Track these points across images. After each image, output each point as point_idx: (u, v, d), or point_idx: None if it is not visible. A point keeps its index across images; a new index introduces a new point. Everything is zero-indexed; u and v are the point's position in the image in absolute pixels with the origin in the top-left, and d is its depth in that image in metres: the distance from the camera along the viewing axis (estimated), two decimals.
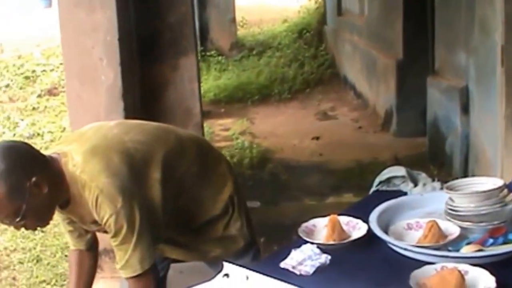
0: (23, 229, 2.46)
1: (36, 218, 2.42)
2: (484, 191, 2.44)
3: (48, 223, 2.52)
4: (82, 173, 2.41)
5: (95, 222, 2.50)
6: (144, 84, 4.29)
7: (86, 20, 3.92)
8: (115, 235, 2.44)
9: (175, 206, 2.68)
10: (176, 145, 2.71)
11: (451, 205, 2.47)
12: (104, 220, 2.41)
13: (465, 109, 5.40)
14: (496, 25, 4.47)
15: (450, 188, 2.51)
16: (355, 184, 5.68)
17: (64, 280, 4.66)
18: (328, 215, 2.51)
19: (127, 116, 3.98)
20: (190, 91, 4.46)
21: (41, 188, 2.35)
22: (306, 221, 2.57)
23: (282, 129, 8.00)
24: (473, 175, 4.70)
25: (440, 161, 5.99)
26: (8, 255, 5.07)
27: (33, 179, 2.32)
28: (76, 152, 2.46)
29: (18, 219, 2.34)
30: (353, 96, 9.41)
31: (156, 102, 4.38)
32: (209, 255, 2.85)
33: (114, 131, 2.62)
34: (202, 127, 4.64)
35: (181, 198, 2.71)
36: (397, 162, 5.94)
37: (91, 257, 2.85)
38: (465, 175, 5.14)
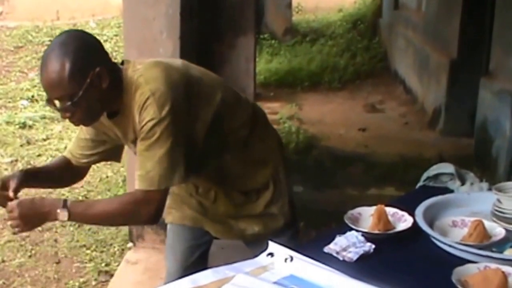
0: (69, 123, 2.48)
1: (85, 112, 2.38)
2: None
3: (92, 123, 2.49)
4: (140, 77, 2.41)
5: (134, 141, 2.47)
6: (201, 60, 4.31)
7: None
8: (145, 139, 2.38)
9: (215, 162, 2.68)
10: (234, 99, 2.70)
11: (498, 207, 2.46)
12: (143, 123, 2.37)
13: None
14: None
15: (499, 190, 2.50)
16: (398, 179, 5.66)
17: (104, 247, 4.73)
18: (372, 205, 2.53)
19: None
20: (245, 71, 4.50)
21: (101, 81, 2.35)
22: (350, 209, 2.57)
23: (330, 117, 7.98)
24: None
25: (485, 163, 5.93)
26: None
27: (97, 69, 2.33)
28: (139, 62, 2.50)
29: (69, 104, 2.32)
30: (402, 91, 9.36)
31: None
32: (248, 232, 2.84)
33: (179, 62, 2.66)
34: None
35: (222, 158, 2.69)
36: (441, 160, 5.89)
37: (72, 173, 2.79)
38: (508, 179, 5.07)
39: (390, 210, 2.50)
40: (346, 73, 10.07)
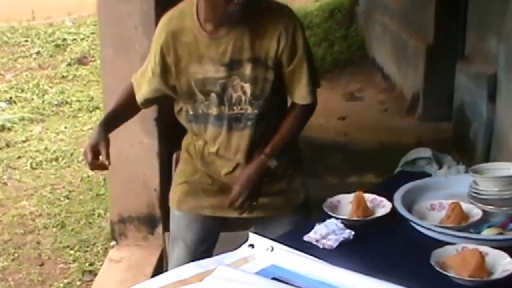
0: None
1: None
2: (508, 176, 2.46)
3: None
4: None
5: (236, 61, 2.59)
6: None
7: None
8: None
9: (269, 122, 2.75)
10: None
11: (475, 188, 2.50)
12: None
13: (492, 96, 5.37)
14: None
15: (475, 172, 2.54)
16: (378, 166, 5.67)
17: (87, 247, 4.73)
18: (352, 192, 2.55)
19: None
20: None
21: None
22: (330, 197, 2.60)
23: None
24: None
25: (463, 147, 5.98)
26: (33, 220, 5.15)
27: None
28: None
29: None
30: (381, 79, 9.38)
31: None
32: (270, 205, 2.81)
33: None
34: None
35: (272, 120, 2.76)
36: (420, 146, 5.92)
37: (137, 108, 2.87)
38: (487, 161, 5.12)
39: (368, 196, 2.53)
40: (324, 62, 10.07)
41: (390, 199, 2.51)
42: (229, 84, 2.63)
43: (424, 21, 7.64)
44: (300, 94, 2.70)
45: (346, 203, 2.52)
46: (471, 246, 2.14)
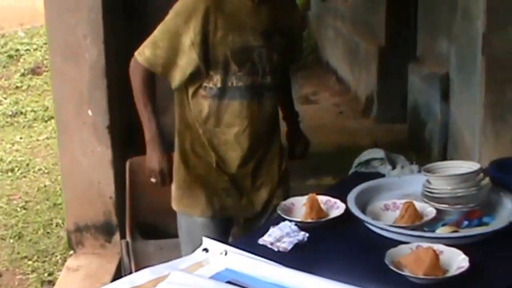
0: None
1: None
2: (461, 174, 2.46)
3: None
4: None
5: (271, 31, 2.75)
6: (128, 62, 4.29)
7: None
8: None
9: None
10: None
11: (428, 187, 2.49)
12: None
13: (445, 96, 5.43)
14: (478, 12, 4.48)
15: (428, 171, 2.54)
16: (335, 168, 5.67)
17: (46, 257, 4.66)
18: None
19: (110, 94, 3.99)
20: None
21: None
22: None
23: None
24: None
25: (419, 147, 6.02)
26: None
27: None
28: None
29: None
30: (335, 82, 9.43)
31: None
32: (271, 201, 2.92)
33: None
34: None
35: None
36: (376, 147, 5.95)
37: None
38: (443, 161, 5.16)
39: (322, 198, 2.51)
40: None
41: (344, 200, 2.49)
42: (263, 53, 2.75)
43: (376, 24, 7.70)
44: (298, 57, 3.14)
45: (300, 205, 2.49)
46: (425, 244, 2.13)
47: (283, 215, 2.41)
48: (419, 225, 2.34)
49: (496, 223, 2.36)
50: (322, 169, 5.83)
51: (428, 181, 2.51)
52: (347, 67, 8.99)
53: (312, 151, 6.41)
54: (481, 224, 2.39)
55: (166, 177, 2.85)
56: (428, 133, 5.89)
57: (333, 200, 2.52)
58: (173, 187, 2.93)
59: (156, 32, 2.74)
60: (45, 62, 9.20)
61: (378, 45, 7.53)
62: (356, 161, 3.00)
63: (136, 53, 2.79)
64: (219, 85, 2.74)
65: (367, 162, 2.96)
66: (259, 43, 2.74)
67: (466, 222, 2.39)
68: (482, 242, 2.27)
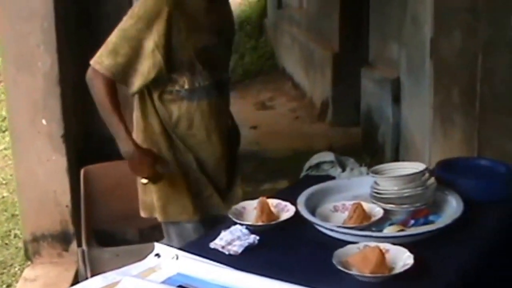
0: None
1: None
2: (407, 175, 2.50)
3: None
4: None
5: (223, 28, 2.80)
6: (82, 70, 4.28)
7: (23, 7, 3.90)
8: None
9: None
10: None
11: (376, 188, 2.53)
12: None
13: (397, 99, 5.50)
14: (426, 18, 4.56)
15: (375, 172, 2.57)
16: (290, 172, 5.71)
17: (4, 268, 4.60)
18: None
19: (64, 103, 3.97)
20: None
21: None
22: None
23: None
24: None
25: (373, 149, 6.09)
26: None
27: None
28: None
29: None
30: (291, 87, 9.49)
31: None
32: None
33: None
34: None
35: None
36: (332, 151, 6.00)
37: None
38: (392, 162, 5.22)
39: (273, 201, 2.53)
40: (235, 73, 10.12)
41: (295, 203, 2.52)
42: (220, 50, 2.82)
43: (330, 30, 7.77)
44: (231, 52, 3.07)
45: (251, 209, 2.50)
46: (372, 244, 2.16)
47: (234, 219, 2.42)
48: (367, 225, 2.37)
49: (441, 221, 2.40)
50: (278, 173, 5.87)
51: (375, 183, 2.55)
52: (303, 73, 9.05)
53: (268, 156, 6.52)
54: (427, 222, 2.43)
55: (158, 175, 2.76)
56: (381, 136, 5.96)
57: (283, 203, 2.54)
58: (154, 198, 2.86)
59: (114, 39, 2.66)
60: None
61: (332, 51, 7.60)
62: (307, 165, 3.03)
63: (93, 63, 2.70)
64: (186, 86, 2.73)
65: (318, 165, 2.99)
66: (216, 41, 2.79)
67: (412, 221, 2.43)
68: (428, 239, 2.31)
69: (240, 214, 2.49)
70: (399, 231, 2.34)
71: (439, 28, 4.38)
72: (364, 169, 2.91)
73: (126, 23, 2.66)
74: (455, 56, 4.16)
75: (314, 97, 8.38)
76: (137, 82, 2.68)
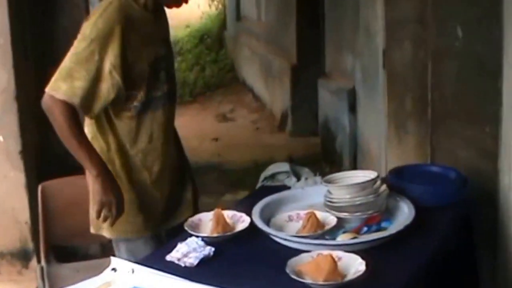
0: None
1: None
2: (359, 183, 2.53)
3: None
4: None
5: (167, 39, 2.86)
6: (39, 86, 4.25)
7: None
8: None
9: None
10: None
11: (329, 197, 2.55)
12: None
13: (353, 108, 5.54)
14: (377, 29, 4.60)
15: (328, 181, 2.60)
16: (251, 183, 5.69)
17: None
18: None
19: (21, 119, 3.93)
20: None
21: None
22: None
23: (183, 130, 7.81)
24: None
25: (332, 158, 6.12)
26: None
27: None
28: None
29: None
30: (252, 99, 9.51)
31: None
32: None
33: None
34: None
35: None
36: (291, 161, 6.03)
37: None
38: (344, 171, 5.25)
39: (229, 213, 2.54)
40: (196, 86, 10.12)
41: (250, 214, 2.53)
42: (168, 60, 2.84)
43: (288, 42, 7.82)
44: None
45: (207, 220, 2.52)
46: (326, 252, 2.18)
47: (190, 231, 2.43)
48: (321, 233, 2.40)
49: (394, 228, 2.44)
50: (238, 184, 5.88)
51: (328, 191, 2.57)
52: (263, 85, 9.08)
53: (229, 167, 6.52)
54: (379, 229, 2.47)
55: (123, 206, 2.68)
56: (339, 145, 5.99)
57: (239, 214, 2.55)
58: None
59: (69, 64, 2.57)
60: None
61: (290, 62, 7.64)
62: (262, 176, 3.05)
63: (49, 90, 2.57)
64: (143, 99, 2.69)
65: (273, 176, 3.02)
66: (164, 51, 2.80)
67: (365, 228, 2.46)
68: (381, 246, 2.34)
69: (196, 226, 2.50)
70: (352, 238, 2.37)
71: (391, 39, 4.42)
72: (318, 178, 2.93)
73: (79, 46, 2.58)
74: (407, 65, 4.21)
75: (274, 108, 8.41)
76: (97, 105, 2.60)
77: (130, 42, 2.60)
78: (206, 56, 11.53)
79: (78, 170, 2.80)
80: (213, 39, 12.44)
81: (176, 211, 2.90)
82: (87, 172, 2.75)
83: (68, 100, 2.54)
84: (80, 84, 2.54)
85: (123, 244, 2.83)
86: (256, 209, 2.56)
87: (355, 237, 2.38)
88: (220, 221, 2.44)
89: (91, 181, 2.72)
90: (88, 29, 2.58)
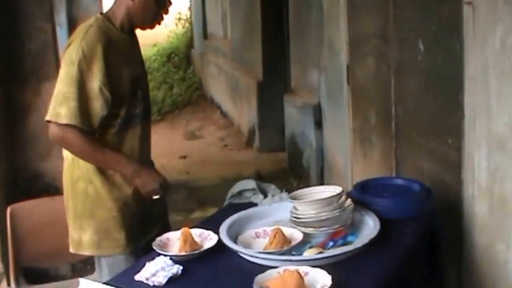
0: None
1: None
2: (323, 199, 2.54)
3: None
4: None
5: (142, 59, 2.91)
6: (7, 109, 4.22)
7: None
8: None
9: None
10: None
11: (294, 213, 2.56)
12: None
13: (319, 124, 5.57)
14: (341, 45, 4.64)
15: (294, 198, 2.60)
16: (220, 199, 5.69)
17: None
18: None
19: None
20: None
21: None
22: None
23: (152, 149, 7.92)
24: (328, 184, 4.84)
25: (299, 173, 6.14)
26: None
27: None
28: None
29: None
30: (220, 116, 9.53)
31: (19, 127, 4.30)
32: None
33: None
34: None
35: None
36: (259, 176, 6.06)
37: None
38: (321, 184, 5.28)
39: (196, 231, 2.54)
40: (164, 104, 10.11)
41: (218, 231, 2.53)
42: (144, 79, 2.90)
43: (254, 59, 7.85)
44: None
45: (175, 239, 2.51)
46: (292, 267, 2.18)
47: (158, 250, 2.42)
48: (287, 249, 2.40)
49: (359, 241, 2.45)
50: (207, 201, 5.87)
51: (294, 207, 2.58)
52: (230, 102, 9.10)
53: (198, 185, 6.51)
54: (345, 243, 2.48)
55: (168, 185, 2.82)
56: (306, 160, 6.02)
57: (206, 232, 2.55)
58: (87, 233, 2.79)
59: (61, 88, 2.60)
60: None
61: (256, 79, 7.67)
62: (229, 193, 3.05)
63: (50, 118, 2.60)
64: (124, 117, 2.74)
65: (240, 193, 3.02)
66: (141, 71, 2.88)
67: (331, 243, 2.47)
68: (347, 259, 2.35)
69: (164, 245, 2.49)
70: (318, 253, 2.37)
71: (354, 54, 4.47)
72: (284, 195, 2.94)
73: (68, 70, 2.62)
74: (370, 80, 4.25)
75: (241, 125, 8.43)
76: (94, 122, 2.65)
77: (111, 62, 2.66)
78: (174, 75, 11.54)
79: (47, 191, 2.78)
80: (181, 57, 12.45)
81: (150, 225, 2.91)
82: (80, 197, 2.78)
83: (71, 122, 2.59)
84: (74, 103, 2.59)
85: (105, 261, 2.83)
86: (224, 227, 2.56)
87: (321, 252, 2.38)
88: (187, 240, 2.43)
89: (87, 205, 2.78)
90: (73, 53, 2.62)
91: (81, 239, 2.80)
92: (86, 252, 2.83)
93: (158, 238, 2.52)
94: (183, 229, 2.47)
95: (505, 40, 2.58)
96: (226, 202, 3.04)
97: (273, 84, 7.32)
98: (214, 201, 5.76)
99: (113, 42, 2.70)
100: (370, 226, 2.56)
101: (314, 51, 5.62)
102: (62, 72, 2.64)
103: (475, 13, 2.78)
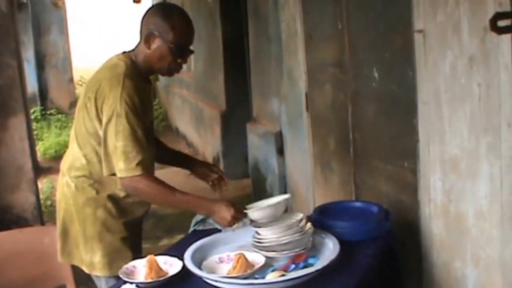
0: None
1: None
2: (284, 224, 2.54)
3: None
4: None
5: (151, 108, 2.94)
6: None
7: None
8: None
9: None
10: None
11: (256, 238, 2.55)
12: None
13: (281, 151, 5.57)
14: (300, 74, 4.67)
15: (253, 217, 2.62)
16: (187, 227, 5.65)
17: None
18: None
19: None
20: (21, 150, 4.36)
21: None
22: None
23: None
24: (290, 210, 4.83)
25: (263, 199, 6.09)
26: None
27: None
28: None
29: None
30: (185, 146, 9.50)
31: None
32: None
33: None
34: (36, 183, 4.51)
35: None
36: None
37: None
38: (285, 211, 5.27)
39: (161, 258, 2.52)
40: None
41: (182, 258, 2.51)
42: (152, 123, 2.97)
43: (216, 90, 7.86)
44: None
45: (141, 267, 2.48)
46: None
47: (124, 278, 2.39)
48: (250, 273, 2.38)
49: (320, 263, 2.44)
50: (175, 229, 5.83)
51: (257, 233, 2.57)
52: (194, 132, 9.09)
53: (165, 213, 6.45)
54: (306, 266, 2.47)
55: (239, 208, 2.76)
56: (269, 186, 6.01)
57: (171, 259, 2.53)
58: (98, 255, 2.83)
59: (120, 143, 2.65)
60: None
61: (219, 109, 7.68)
62: (194, 221, 3.04)
63: (126, 173, 2.65)
64: None
65: (204, 220, 3.00)
66: (153, 115, 2.96)
67: (293, 266, 2.46)
68: (308, 282, 2.35)
69: (130, 273, 2.46)
70: (280, 276, 2.36)
71: (312, 83, 4.50)
72: (247, 220, 2.91)
73: (118, 124, 2.64)
74: (328, 107, 4.27)
75: (206, 154, 8.41)
76: (150, 162, 2.78)
77: (140, 108, 2.71)
78: None
79: (16, 223, 2.74)
80: None
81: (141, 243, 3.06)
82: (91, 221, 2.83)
83: (141, 172, 2.66)
84: (135, 154, 2.65)
85: (107, 282, 2.86)
86: (188, 253, 2.54)
87: (283, 275, 2.37)
88: (153, 267, 2.41)
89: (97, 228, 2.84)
90: (117, 105, 2.65)
91: (93, 260, 2.85)
92: (99, 273, 2.87)
93: (125, 266, 2.49)
94: (148, 257, 2.45)
95: (455, 66, 2.62)
96: (191, 229, 3.02)
97: (236, 114, 7.34)
98: (181, 229, 5.72)
99: (136, 88, 2.72)
100: (330, 249, 2.56)
101: (274, 81, 5.64)
102: (113, 125, 2.64)
103: (426, 41, 2.82)
